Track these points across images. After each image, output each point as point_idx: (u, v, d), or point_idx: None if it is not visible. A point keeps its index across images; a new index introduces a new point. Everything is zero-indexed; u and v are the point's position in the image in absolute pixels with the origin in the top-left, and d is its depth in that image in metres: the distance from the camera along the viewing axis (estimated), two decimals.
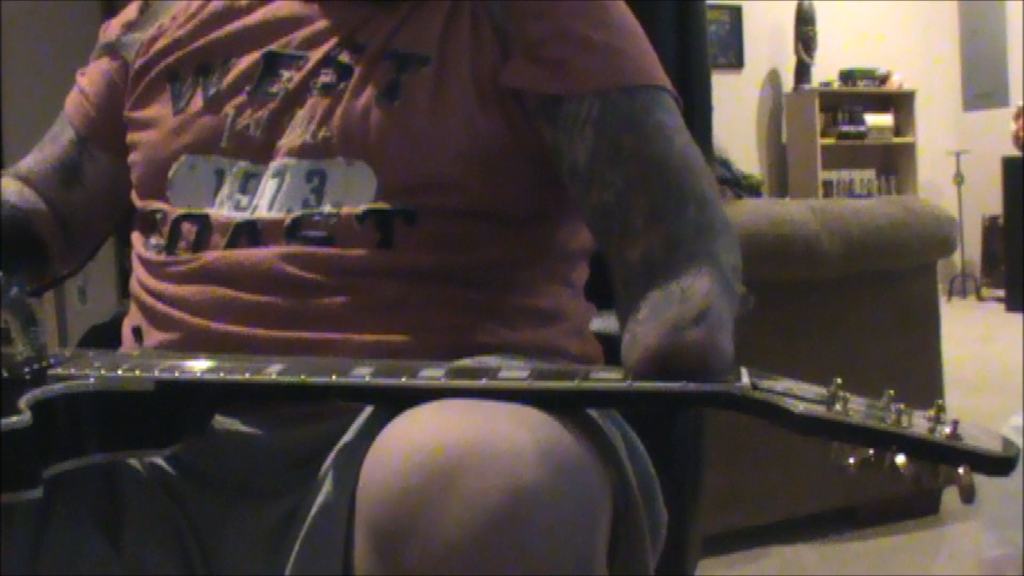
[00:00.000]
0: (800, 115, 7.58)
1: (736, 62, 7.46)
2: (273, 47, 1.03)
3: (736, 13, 7.42)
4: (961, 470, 0.66)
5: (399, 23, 1.00)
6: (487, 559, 0.65)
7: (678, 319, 0.79)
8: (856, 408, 0.70)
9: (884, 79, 7.81)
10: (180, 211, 1.00)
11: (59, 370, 0.83)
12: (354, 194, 0.95)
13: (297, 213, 0.95)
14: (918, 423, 0.69)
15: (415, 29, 0.99)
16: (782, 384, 0.73)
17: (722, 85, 6.47)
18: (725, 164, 3.14)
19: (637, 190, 0.91)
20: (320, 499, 0.80)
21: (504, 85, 0.97)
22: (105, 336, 1.10)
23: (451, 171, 0.95)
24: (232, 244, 0.96)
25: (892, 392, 0.71)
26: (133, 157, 1.07)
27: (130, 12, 1.15)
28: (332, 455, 0.83)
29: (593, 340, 1.06)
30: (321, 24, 1.03)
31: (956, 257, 7.31)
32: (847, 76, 7.71)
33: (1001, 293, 7.10)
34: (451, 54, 0.98)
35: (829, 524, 2.68)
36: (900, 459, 0.67)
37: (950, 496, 2.68)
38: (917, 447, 0.67)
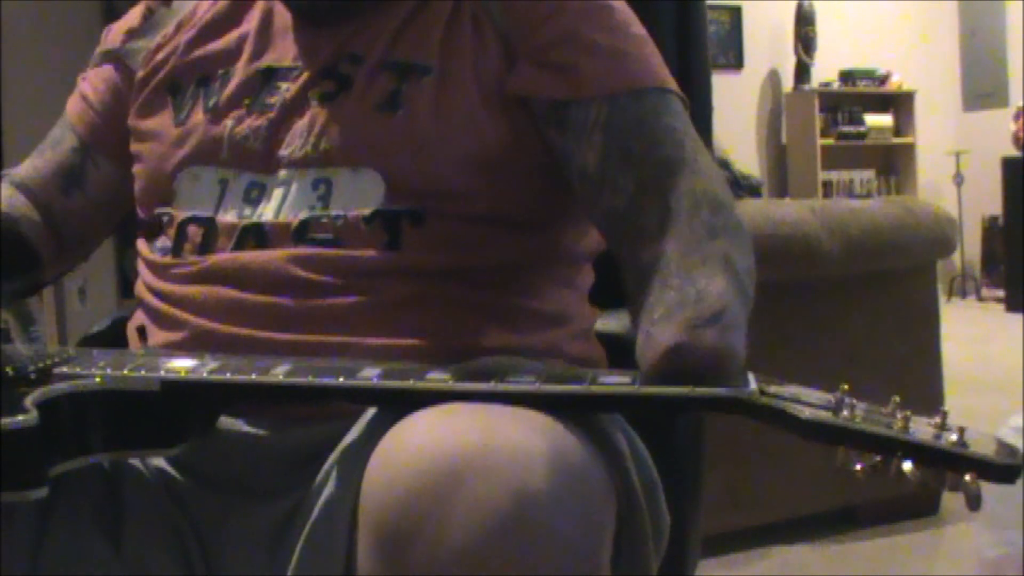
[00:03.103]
0: (800, 115, 7.57)
1: (736, 62, 7.46)
2: (272, 59, 1.03)
3: (736, 13, 7.42)
4: (967, 477, 0.66)
5: (397, 31, 0.99)
6: (492, 563, 0.65)
7: (693, 319, 0.79)
8: (862, 414, 0.70)
9: (884, 79, 7.81)
10: (187, 214, 1.00)
11: (64, 369, 0.83)
12: (362, 199, 0.95)
13: (304, 216, 0.95)
14: (924, 429, 0.69)
15: (415, 37, 0.99)
16: (789, 389, 0.73)
17: (722, 85, 6.46)
18: (725, 164, 3.14)
19: (649, 194, 0.91)
20: (323, 500, 0.80)
21: (511, 92, 0.96)
22: (101, 344, 1.10)
23: (457, 178, 0.95)
24: (239, 246, 0.96)
25: (897, 399, 0.71)
26: (137, 168, 1.07)
27: (132, 18, 1.14)
28: (335, 455, 0.83)
29: (596, 343, 1.07)
30: (318, 35, 1.02)
31: (956, 257, 7.31)
32: (847, 76, 7.70)
33: (1001, 293, 7.10)
34: (453, 62, 0.97)
35: (829, 524, 2.68)
36: (906, 466, 0.67)
37: (950, 496, 2.67)
38: (923, 454, 0.67)
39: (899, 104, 7.90)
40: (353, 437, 0.83)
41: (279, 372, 0.80)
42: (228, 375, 0.81)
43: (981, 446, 0.67)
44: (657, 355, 0.78)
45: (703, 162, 0.93)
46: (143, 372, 0.82)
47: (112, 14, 1.12)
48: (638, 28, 1.01)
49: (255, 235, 0.96)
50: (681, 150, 0.93)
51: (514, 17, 0.98)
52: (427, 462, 0.67)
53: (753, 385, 0.73)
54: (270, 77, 1.02)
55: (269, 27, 1.05)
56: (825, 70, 7.59)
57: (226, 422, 0.91)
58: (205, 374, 0.81)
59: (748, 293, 0.86)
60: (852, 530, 2.69)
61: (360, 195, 0.95)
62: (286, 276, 0.93)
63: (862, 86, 7.75)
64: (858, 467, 0.68)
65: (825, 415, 0.69)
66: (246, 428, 0.91)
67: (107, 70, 1.13)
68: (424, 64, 0.97)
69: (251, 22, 1.06)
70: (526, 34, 0.97)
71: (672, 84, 0.99)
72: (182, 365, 0.83)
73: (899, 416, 0.69)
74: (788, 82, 7.64)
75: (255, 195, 0.98)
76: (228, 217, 0.98)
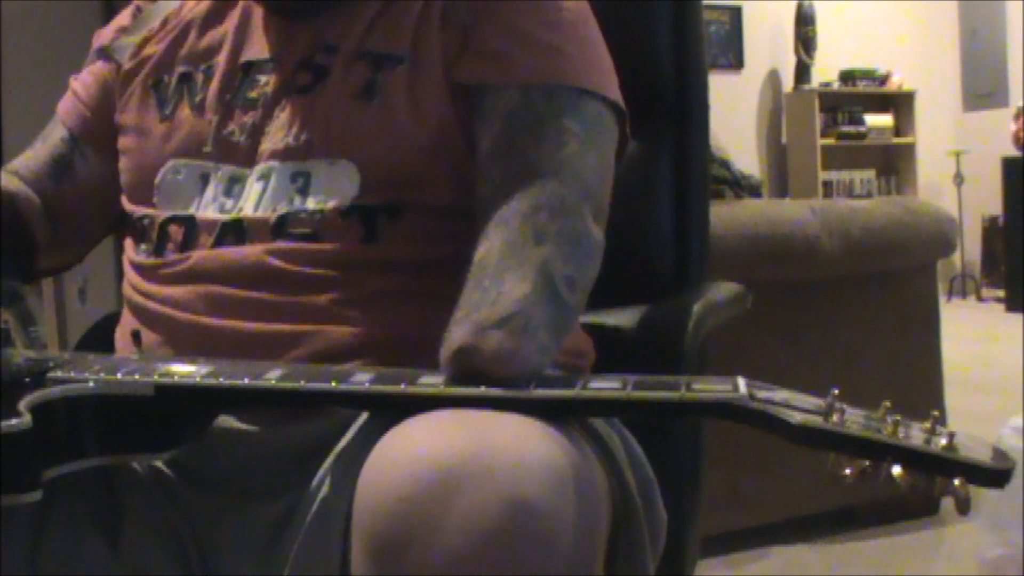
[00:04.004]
0: (800, 115, 7.57)
1: (736, 62, 7.46)
2: (251, 54, 1.04)
3: (736, 13, 7.42)
4: (956, 482, 0.66)
5: (370, 23, 1.01)
6: (486, 570, 0.65)
7: (483, 321, 0.81)
8: (853, 419, 0.70)
9: (884, 79, 7.81)
10: (167, 215, 1.01)
11: (59, 373, 0.83)
12: (339, 191, 0.96)
13: (283, 211, 0.96)
14: (914, 434, 0.69)
15: (388, 29, 1.00)
16: (779, 394, 0.73)
17: (722, 85, 6.48)
18: (725, 164, 3.13)
19: (504, 191, 0.91)
20: (317, 503, 0.81)
21: (455, 81, 0.97)
22: (104, 335, 1.10)
23: (430, 167, 0.96)
24: (219, 243, 0.97)
25: (888, 404, 0.71)
26: (123, 163, 1.08)
27: (123, 17, 1.16)
28: (330, 459, 0.83)
29: (583, 333, 1.07)
30: (295, 29, 1.03)
31: (956, 257, 7.31)
32: (847, 76, 7.70)
33: (1001, 293, 7.09)
34: (423, 54, 0.98)
35: (829, 524, 2.68)
36: (896, 470, 0.67)
37: (950, 497, 2.68)
38: (913, 459, 0.68)
39: (899, 104, 7.89)
40: (347, 441, 0.83)
41: (272, 377, 0.80)
42: (222, 380, 0.81)
43: (971, 450, 0.67)
44: (447, 355, 0.80)
45: (571, 167, 0.92)
46: (137, 376, 0.82)
47: (112, 14, 1.13)
48: (588, 31, 1.00)
49: (235, 231, 0.97)
50: (556, 152, 0.92)
51: (473, 12, 0.99)
52: (421, 469, 0.68)
53: (744, 390, 0.73)
54: (250, 72, 1.03)
55: (248, 23, 1.06)
56: (825, 70, 7.59)
57: (219, 419, 0.91)
58: (199, 379, 0.81)
59: (564, 301, 0.86)
60: (852, 530, 2.68)
61: (337, 187, 0.96)
62: (266, 270, 0.94)
63: (862, 86, 7.75)
64: (848, 471, 0.68)
65: (815, 420, 0.69)
66: (239, 425, 0.92)
67: (97, 66, 1.15)
68: (397, 54, 0.99)
69: (232, 20, 1.07)
70: (477, 27, 0.98)
71: (602, 87, 0.98)
72: (177, 369, 0.83)
73: (889, 421, 0.69)
74: (788, 82, 7.64)
75: (236, 188, 0.99)
76: (208, 212, 0.99)
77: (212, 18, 1.08)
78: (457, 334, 0.81)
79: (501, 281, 0.84)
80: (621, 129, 1.01)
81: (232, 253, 0.96)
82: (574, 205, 0.90)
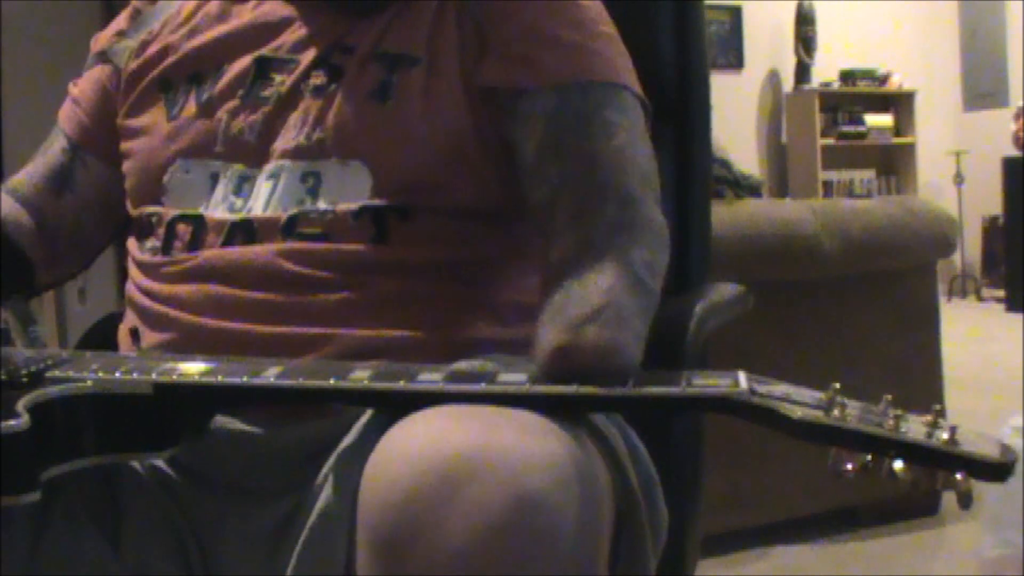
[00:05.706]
0: (800, 115, 7.57)
1: (736, 62, 7.46)
2: (264, 51, 1.03)
3: (736, 13, 7.42)
4: (959, 476, 0.66)
5: (386, 25, 1.01)
6: (490, 567, 0.65)
7: (576, 318, 0.80)
8: (854, 413, 0.70)
9: (884, 79, 7.81)
10: (175, 212, 1.01)
11: (57, 372, 0.83)
12: (349, 192, 0.96)
13: (293, 211, 0.96)
14: (916, 428, 0.69)
15: (403, 30, 1.00)
16: (780, 389, 0.73)
17: (722, 85, 6.46)
18: (725, 164, 3.13)
19: (566, 188, 0.92)
20: (321, 503, 0.81)
21: (480, 84, 0.98)
22: (104, 335, 1.10)
23: (443, 169, 0.96)
24: (228, 242, 0.97)
25: (890, 397, 0.71)
26: (127, 165, 1.07)
27: (120, 20, 1.15)
28: (332, 458, 0.83)
29: None
30: (310, 27, 1.03)
31: (956, 257, 7.31)
32: (847, 76, 7.70)
33: (1001, 293, 7.10)
34: (440, 55, 0.98)
35: (829, 524, 2.68)
36: (898, 465, 0.67)
37: (950, 496, 2.66)
38: (914, 453, 0.67)
39: (899, 104, 7.90)
40: (350, 440, 0.83)
41: (271, 374, 0.80)
42: (220, 378, 0.81)
43: (973, 444, 0.67)
44: (544, 357, 0.79)
45: (627, 156, 0.94)
46: (135, 375, 0.82)
47: (112, 14, 1.12)
48: (606, 26, 1.02)
49: (244, 231, 0.97)
50: (608, 144, 0.94)
51: (489, 13, 0.99)
52: (424, 466, 0.67)
53: (744, 384, 0.73)
54: (264, 68, 1.03)
55: (264, 20, 1.06)
56: (825, 70, 7.59)
57: (220, 420, 0.91)
58: (198, 377, 0.81)
59: (645, 286, 0.86)
60: (852, 530, 2.69)
61: (348, 188, 0.96)
62: (275, 271, 0.94)
63: (862, 86, 7.75)
64: (849, 467, 0.68)
65: (816, 414, 0.69)
66: (241, 426, 0.91)
67: (96, 71, 1.14)
68: (413, 55, 0.99)
69: (243, 16, 1.07)
70: (496, 28, 0.98)
71: (630, 82, 1.00)
72: (176, 367, 0.83)
73: (891, 415, 0.69)
74: (788, 82, 7.65)
75: (246, 187, 0.99)
76: (217, 212, 0.99)
77: (222, 17, 1.08)
78: (550, 335, 0.79)
79: (584, 277, 0.84)
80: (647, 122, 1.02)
81: (241, 253, 0.95)
82: (637, 192, 0.92)
